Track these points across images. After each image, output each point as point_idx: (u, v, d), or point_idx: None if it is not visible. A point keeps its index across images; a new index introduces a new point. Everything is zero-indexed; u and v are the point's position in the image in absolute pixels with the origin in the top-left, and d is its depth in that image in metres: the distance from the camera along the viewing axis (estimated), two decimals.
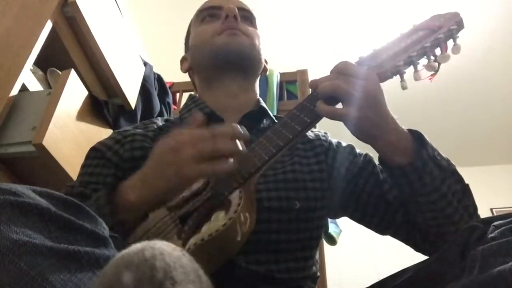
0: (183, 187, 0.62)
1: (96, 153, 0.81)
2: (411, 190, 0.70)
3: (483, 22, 2.80)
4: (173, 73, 1.66)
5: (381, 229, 0.83)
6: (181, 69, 1.01)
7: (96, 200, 0.63)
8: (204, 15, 0.95)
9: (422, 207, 0.71)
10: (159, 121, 0.92)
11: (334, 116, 0.66)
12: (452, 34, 0.70)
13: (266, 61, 0.99)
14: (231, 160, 0.58)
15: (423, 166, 0.67)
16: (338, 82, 0.66)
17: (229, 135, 0.59)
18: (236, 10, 0.90)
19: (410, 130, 0.71)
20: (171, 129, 0.88)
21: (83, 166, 0.82)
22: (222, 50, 0.87)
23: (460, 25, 0.71)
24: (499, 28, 2.87)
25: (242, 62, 0.89)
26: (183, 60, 1.01)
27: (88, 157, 0.82)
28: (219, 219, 0.55)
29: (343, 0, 2.75)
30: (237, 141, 0.59)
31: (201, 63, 0.93)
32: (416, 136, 0.70)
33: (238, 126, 0.60)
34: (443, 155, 0.72)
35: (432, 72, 0.71)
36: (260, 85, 0.99)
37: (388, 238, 0.86)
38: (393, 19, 2.77)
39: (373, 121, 0.66)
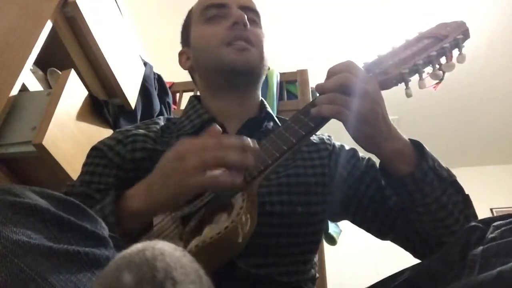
0: (186, 198, 0.60)
1: (97, 153, 0.81)
2: (410, 200, 0.70)
3: (483, 22, 2.80)
4: (173, 73, 1.65)
5: (380, 234, 0.83)
6: (181, 64, 0.95)
7: (101, 208, 0.62)
8: (208, 13, 0.87)
9: (422, 217, 0.71)
10: (161, 121, 0.90)
11: (335, 115, 0.65)
12: (458, 44, 0.69)
13: None
14: (236, 174, 0.55)
15: (423, 177, 0.67)
16: (335, 95, 0.65)
17: (237, 146, 0.55)
18: (246, 17, 0.83)
19: (410, 140, 0.70)
20: (171, 129, 0.88)
21: (84, 165, 0.81)
22: (229, 67, 0.82)
23: (466, 34, 0.70)
24: (499, 28, 2.87)
25: (250, 79, 0.87)
26: (183, 55, 0.95)
27: (89, 156, 0.82)
28: (221, 222, 0.55)
29: (343, 0, 2.75)
30: (246, 154, 0.56)
31: (205, 71, 0.89)
32: (417, 146, 0.70)
33: (249, 139, 0.57)
34: (443, 162, 0.72)
35: (437, 81, 0.70)
36: None
37: None
38: (393, 18, 2.77)
39: (374, 127, 0.65)
